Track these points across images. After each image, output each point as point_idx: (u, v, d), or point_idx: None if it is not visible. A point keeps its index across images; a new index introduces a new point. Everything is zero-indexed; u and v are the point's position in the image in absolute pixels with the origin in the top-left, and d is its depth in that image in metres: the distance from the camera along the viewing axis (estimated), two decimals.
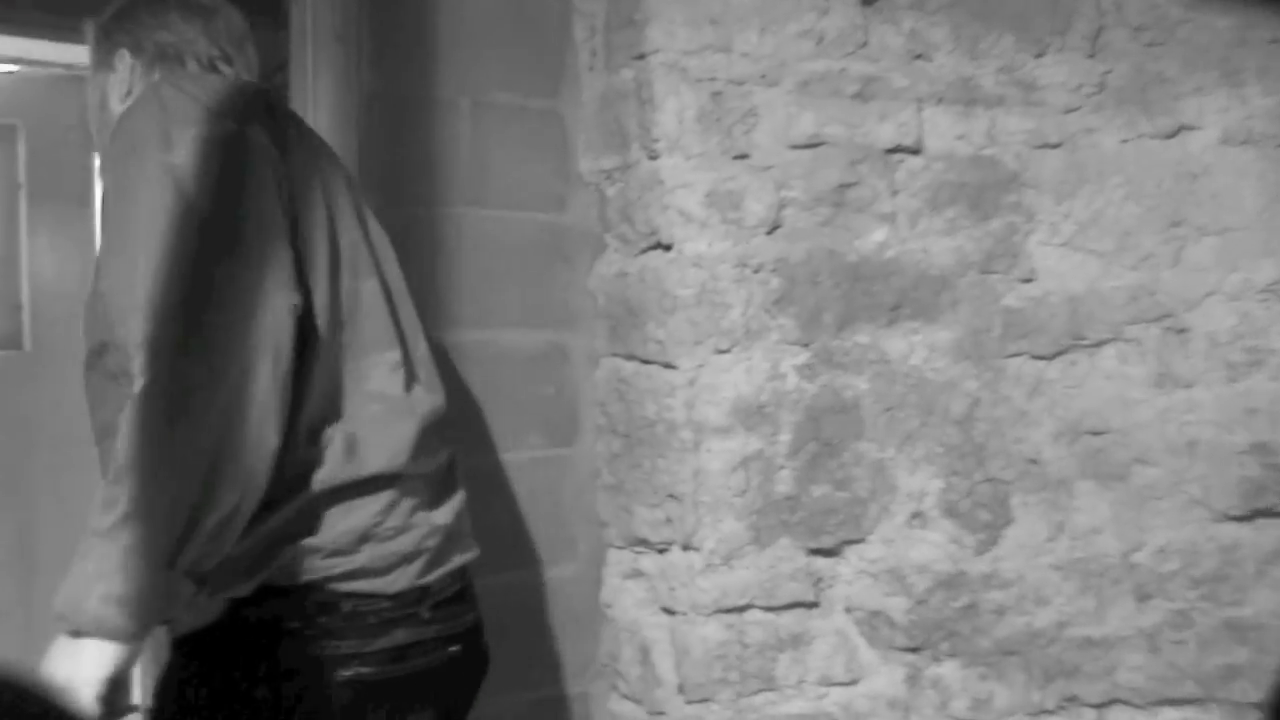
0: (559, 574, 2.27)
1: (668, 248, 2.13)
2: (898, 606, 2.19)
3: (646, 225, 2.15)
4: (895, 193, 2.28)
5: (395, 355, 1.42)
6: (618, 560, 2.26)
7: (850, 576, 2.21)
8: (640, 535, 2.20)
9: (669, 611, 2.14)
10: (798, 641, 2.15)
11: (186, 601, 1.16)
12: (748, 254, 2.14)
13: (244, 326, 1.16)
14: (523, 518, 2.23)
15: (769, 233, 2.16)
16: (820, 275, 2.20)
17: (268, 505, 1.22)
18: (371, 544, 1.32)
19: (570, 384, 2.30)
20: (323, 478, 1.28)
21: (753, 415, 2.14)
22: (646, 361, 2.18)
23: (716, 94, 2.12)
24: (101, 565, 1.10)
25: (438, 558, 1.41)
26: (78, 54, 3.40)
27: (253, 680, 1.25)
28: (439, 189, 2.17)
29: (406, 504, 1.37)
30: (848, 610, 2.20)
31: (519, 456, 2.24)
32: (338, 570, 1.30)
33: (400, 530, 1.35)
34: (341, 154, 2.05)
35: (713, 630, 2.09)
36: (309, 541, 1.29)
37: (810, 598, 2.16)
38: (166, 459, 1.11)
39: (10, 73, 3.41)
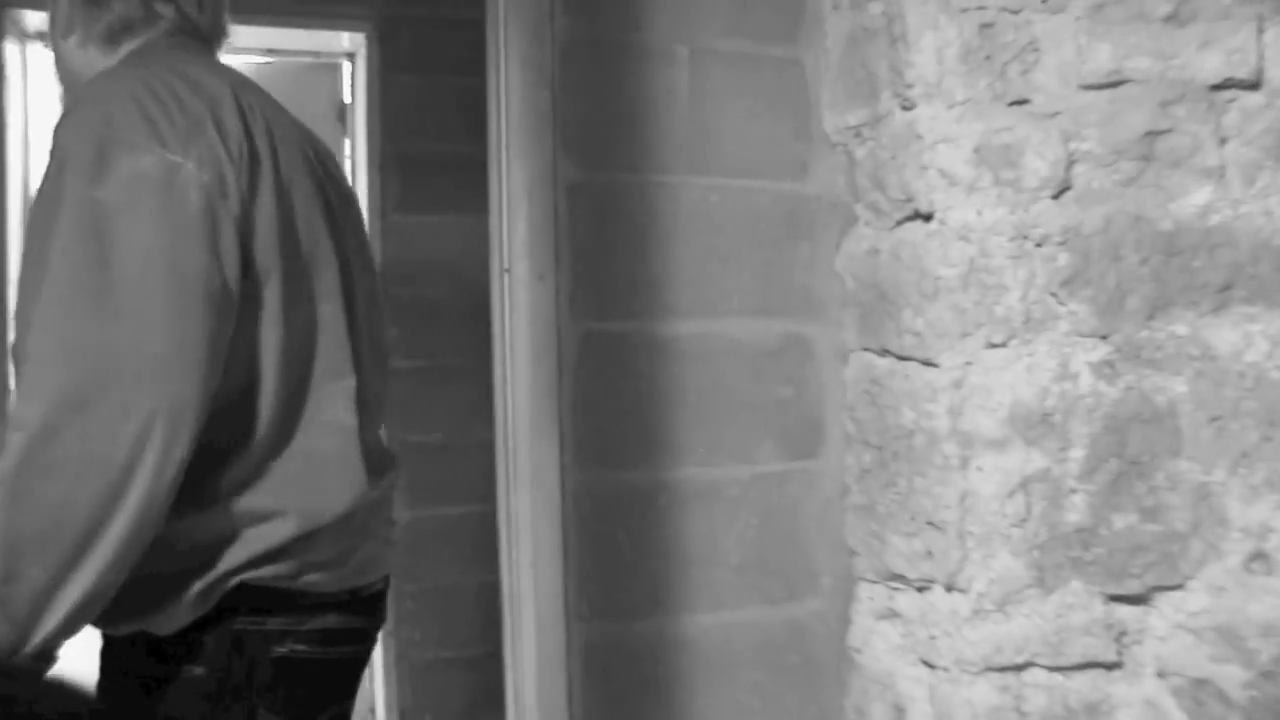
0: (798, 611, 1.92)
1: (927, 217, 1.73)
2: (1232, 677, 1.70)
3: (901, 191, 1.76)
4: (1224, 141, 1.78)
5: (351, 383, 1.29)
6: (869, 597, 1.89)
7: (1164, 632, 1.73)
8: (895, 569, 1.81)
9: (929, 665, 1.74)
10: (1094, 712, 1.70)
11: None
12: (1028, 223, 1.71)
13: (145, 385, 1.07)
14: (755, 544, 1.90)
15: (1055, 196, 1.72)
16: (1123, 248, 1.74)
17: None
18: (320, 572, 1.26)
19: (813, 384, 1.94)
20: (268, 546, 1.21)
21: (1035, 425, 1.71)
22: (902, 358, 1.79)
23: (986, 25, 1.70)
24: None
25: (377, 563, 1.38)
26: (326, 41, 3.38)
27: (181, 657, 1.19)
28: (651, 154, 1.86)
29: (359, 528, 1.31)
30: (1161, 675, 1.73)
31: (750, 471, 1.90)
32: (281, 580, 1.23)
33: (349, 552, 1.30)
34: (532, 114, 1.78)
35: (983, 692, 1.68)
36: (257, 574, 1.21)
37: (1110, 656, 1.71)
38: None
39: (263, 64, 3.39)
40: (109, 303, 1.06)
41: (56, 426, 1.03)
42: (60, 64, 1.34)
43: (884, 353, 1.83)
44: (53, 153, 1.13)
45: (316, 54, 3.24)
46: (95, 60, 1.31)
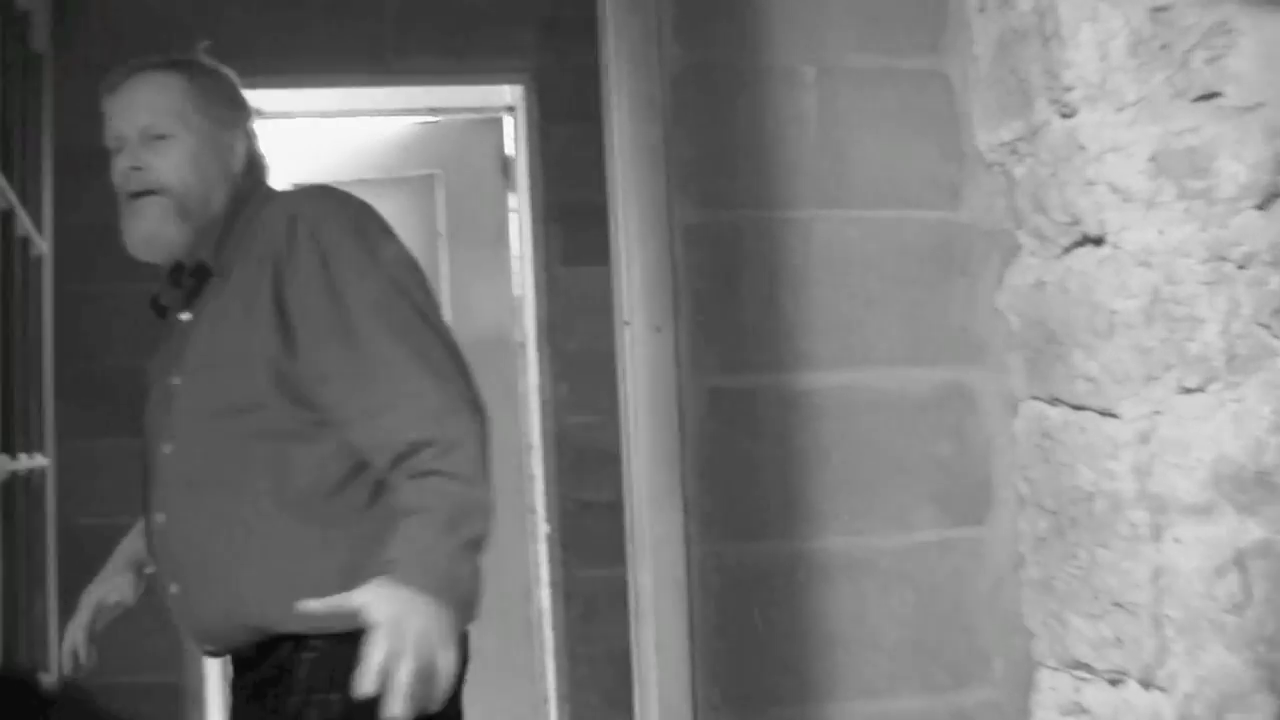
0: (966, 700, 1.66)
1: (1098, 241, 1.47)
2: None
3: (1065, 212, 1.50)
4: None
5: None
6: (1051, 687, 1.61)
7: None
8: (1079, 656, 1.53)
9: None
10: None
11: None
12: (1225, 240, 1.42)
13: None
14: (912, 622, 1.66)
15: (1260, 206, 1.43)
16: None
17: None
18: None
19: (977, 439, 1.69)
20: None
21: (1249, 487, 1.41)
22: (1076, 407, 1.52)
23: (1160, 9, 1.43)
24: (463, 554, 1.31)
25: None
26: (486, 96, 3.35)
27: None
28: (778, 187, 1.67)
29: None
30: None
31: (905, 540, 1.67)
32: None
33: None
34: (642, 151, 1.64)
35: None
36: None
37: None
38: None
39: (429, 123, 3.40)
40: (443, 337, 1.41)
41: (481, 419, 1.36)
42: (197, 199, 1.49)
43: (1055, 401, 1.56)
44: (318, 241, 1.41)
45: (479, 110, 3.21)
46: (226, 195, 1.52)
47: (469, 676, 1.39)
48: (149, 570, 1.61)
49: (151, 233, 1.47)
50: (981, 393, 1.69)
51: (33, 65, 2.40)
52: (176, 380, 1.47)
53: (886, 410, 1.68)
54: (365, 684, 1.17)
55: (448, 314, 3.52)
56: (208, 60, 1.56)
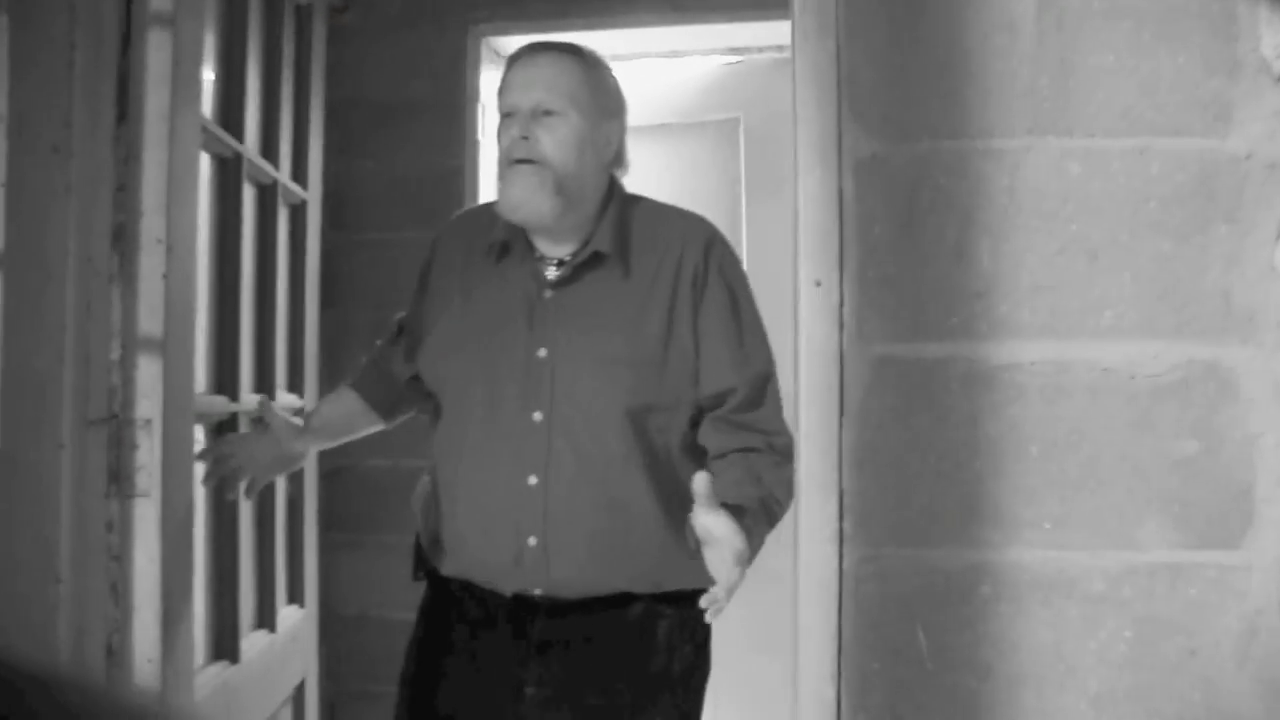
0: None
1: None
2: None
3: None
4: None
5: None
6: None
7: None
8: None
9: None
10: None
11: None
12: None
13: None
14: (1127, 666, 1.30)
15: None
16: None
17: None
18: None
19: (1234, 437, 1.30)
20: None
21: None
22: None
23: None
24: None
25: None
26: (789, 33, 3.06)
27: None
28: (978, 110, 1.34)
29: None
30: None
31: (1124, 559, 1.31)
32: None
33: None
34: (810, 70, 1.37)
35: None
36: None
37: None
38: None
39: (731, 64, 3.19)
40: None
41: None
42: (573, 177, 1.61)
43: None
44: (725, 274, 1.65)
45: (782, 48, 2.94)
46: (597, 182, 1.67)
47: None
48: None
49: (524, 199, 1.58)
50: (1244, 376, 1.30)
51: (304, 14, 2.40)
52: (543, 353, 1.60)
53: (1109, 394, 1.32)
54: (718, 606, 1.43)
55: (745, 259, 3.32)
56: (600, 56, 1.70)
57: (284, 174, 2.24)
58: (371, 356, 1.88)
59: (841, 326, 1.36)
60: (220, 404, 1.94)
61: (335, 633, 2.67)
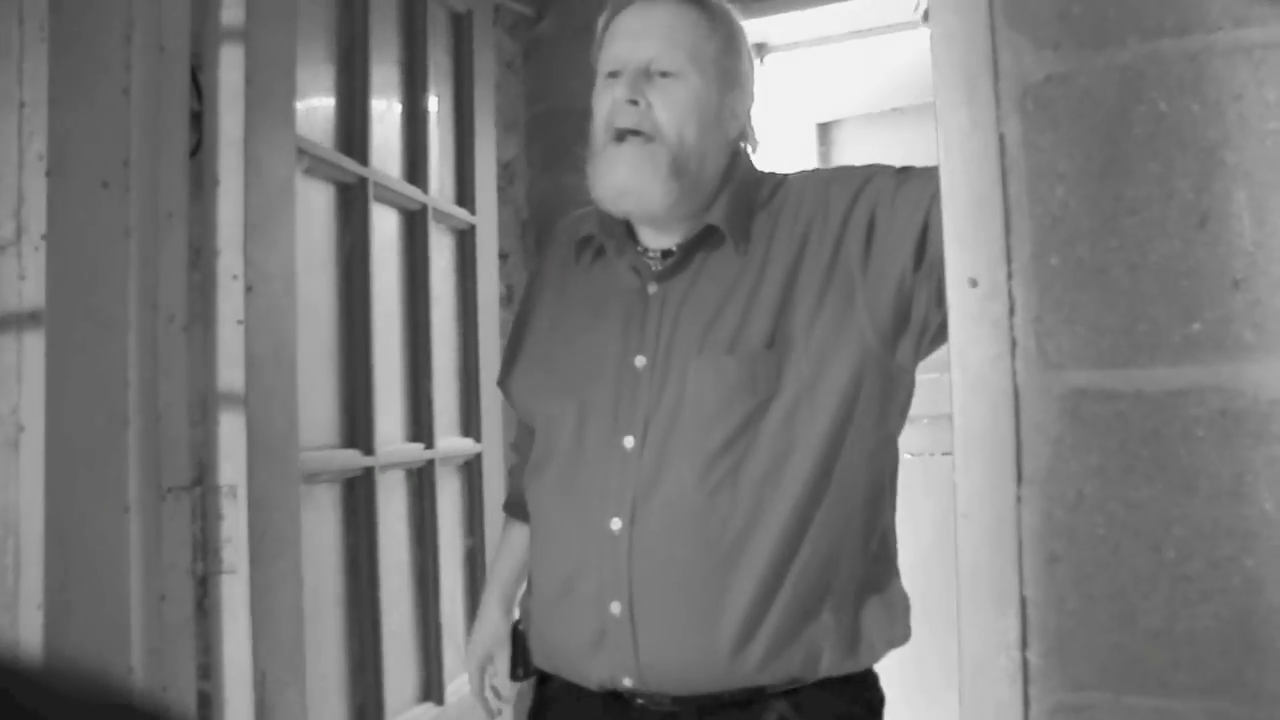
0: None
1: None
2: None
3: None
4: None
5: None
6: None
7: None
8: None
9: None
10: None
11: None
12: None
13: None
14: None
15: None
16: None
17: None
18: None
19: None
20: None
21: None
22: None
23: None
24: None
25: None
26: None
27: None
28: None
29: None
30: None
31: None
32: None
33: None
34: None
35: None
36: None
37: None
38: None
39: None
40: None
41: None
42: (694, 155, 1.27)
43: None
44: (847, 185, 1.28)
45: None
46: (720, 164, 1.32)
47: None
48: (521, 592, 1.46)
49: (631, 182, 1.25)
50: None
51: (463, 22, 2.19)
52: (640, 360, 1.27)
53: None
54: None
55: None
56: (731, 8, 1.34)
57: (441, 197, 2.01)
58: (513, 463, 1.57)
59: (1014, 346, 0.88)
60: (348, 459, 1.70)
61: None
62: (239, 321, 1.42)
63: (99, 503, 1.33)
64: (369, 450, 1.73)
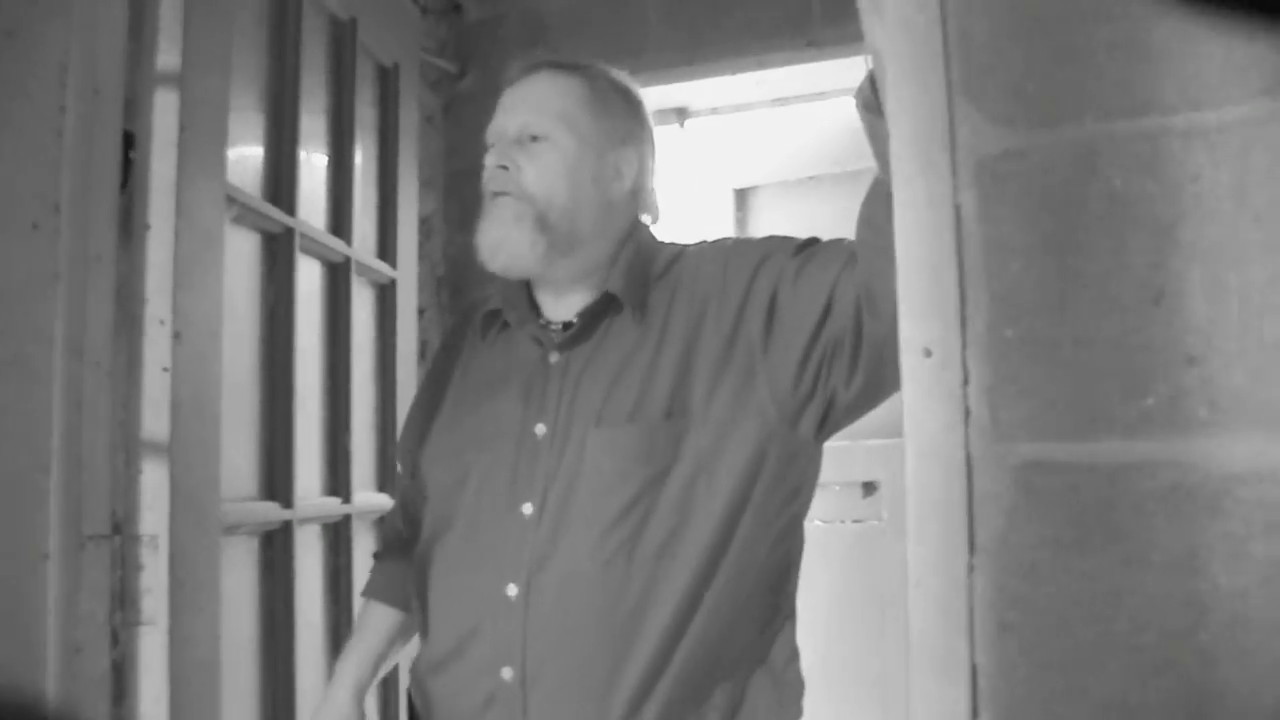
0: None
1: None
2: None
3: None
4: None
5: None
6: None
7: None
8: None
9: None
10: None
11: None
12: None
13: None
14: None
15: None
16: None
17: None
18: None
19: None
20: None
21: None
22: None
23: None
24: None
25: None
26: None
27: None
28: (1169, 63, 0.85)
29: None
30: None
31: None
32: None
33: None
34: (906, 42, 0.93)
35: None
36: None
37: None
38: None
39: None
40: None
41: None
42: (562, 212, 1.31)
43: None
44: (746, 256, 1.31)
45: None
46: (604, 221, 1.34)
47: None
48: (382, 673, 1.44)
49: (501, 238, 1.30)
50: None
51: (388, 76, 2.18)
52: (540, 429, 1.28)
53: None
54: None
55: None
56: (619, 74, 1.40)
57: (362, 251, 1.99)
58: (378, 549, 1.54)
59: (967, 416, 0.89)
60: (267, 512, 1.66)
61: None
62: (165, 369, 1.37)
63: (17, 549, 1.28)
64: (288, 503, 1.68)
